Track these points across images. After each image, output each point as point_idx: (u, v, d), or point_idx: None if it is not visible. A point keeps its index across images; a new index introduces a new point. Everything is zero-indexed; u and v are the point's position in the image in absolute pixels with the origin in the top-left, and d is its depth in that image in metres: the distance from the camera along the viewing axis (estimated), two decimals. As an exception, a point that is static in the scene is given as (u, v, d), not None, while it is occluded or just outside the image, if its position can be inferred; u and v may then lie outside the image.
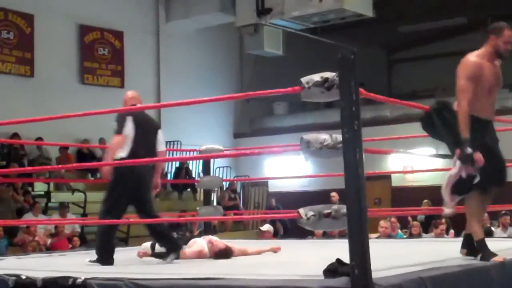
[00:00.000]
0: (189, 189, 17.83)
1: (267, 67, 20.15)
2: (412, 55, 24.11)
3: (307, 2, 16.03)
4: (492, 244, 5.18)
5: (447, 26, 21.45)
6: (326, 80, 3.97)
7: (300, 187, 18.59)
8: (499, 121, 7.07)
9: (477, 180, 4.99)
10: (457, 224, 13.24)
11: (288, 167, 17.85)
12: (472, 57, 5.24)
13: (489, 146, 5.15)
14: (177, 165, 18.29)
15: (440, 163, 14.27)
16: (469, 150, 4.89)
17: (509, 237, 11.69)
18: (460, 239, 5.72)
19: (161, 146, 6.37)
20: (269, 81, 15.68)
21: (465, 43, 22.56)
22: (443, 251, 6.14)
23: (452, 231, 12.94)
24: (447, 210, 5.22)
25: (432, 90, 20.93)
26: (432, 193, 16.56)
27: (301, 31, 17.93)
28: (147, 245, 6.58)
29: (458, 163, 4.99)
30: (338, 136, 3.88)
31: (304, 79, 4.08)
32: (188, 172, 18.12)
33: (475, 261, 4.88)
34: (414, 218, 14.29)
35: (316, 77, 4.02)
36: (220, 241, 6.41)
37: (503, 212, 12.48)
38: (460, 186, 5.07)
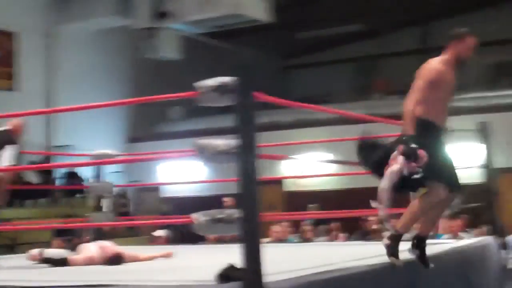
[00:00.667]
0: (78, 195, 17.47)
1: (163, 72, 20.00)
2: (308, 61, 24.48)
3: (204, 7, 16.04)
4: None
5: (342, 33, 21.89)
6: (222, 84, 3.97)
7: (193, 192, 18.52)
8: (396, 124, 7.23)
9: (419, 175, 4.94)
10: (348, 227, 13.54)
11: (181, 172, 17.78)
12: (435, 62, 5.25)
13: (438, 148, 5.17)
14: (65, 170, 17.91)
15: (333, 168, 14.60)
16: (413, 145, 4.89)
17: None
18: (350, 243, 5.80)
19: (2, 162, 6.38)
20: (166, 86, 15.57)
21: (360, 49, 23.25)
22: (334, 254, 6.23)
23: (342, 235, 13.17)
24: (382, 211, 5.13)
25: (326, 96, 21.34)
26: (324, 198, 16.92)
27: (199, 35, 17.93)
28: (34, 252, 6.39)
29: (400, 159, 4.95)
30: (233, 141, 3.88)
31: (200, 84, 4.06)
32: (78, 177, 17.75)
33: (364, 264, 4.97)
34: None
35: (212, 81, 4.01)
36: (111, 247, 6.30)
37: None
38: (404, 183, 5.02)
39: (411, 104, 5.07)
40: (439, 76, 5.19)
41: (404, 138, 5.00)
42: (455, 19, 21.32)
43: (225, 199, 14.19)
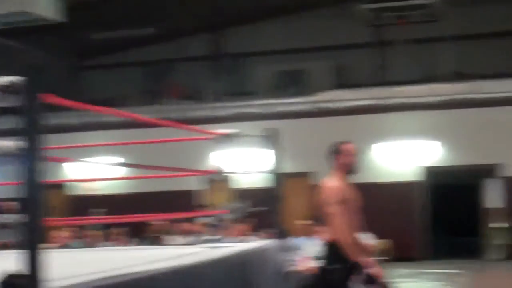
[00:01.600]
0: None
1: None
2: (100, 63, 24.16)
3: (-11, 3, 15.34)
4: (170, 251, 5.31)
5: (135, 35, 21.82)
6: (7, 84, 3.84)
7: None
8: (186, 129, 7.30)
9: None
10: (136, 233, 13.55)
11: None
12: (333, 182, 5.28)
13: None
14: None
15: (123, 171, 14.52)
16: (366, 271, 5.02)
17: (187, 244, 12.10)
18: (136, 247, 5.79)
19: None
20: None
21: (152, 53, 23.29)
22: (120, 259, 6.20)
23: (127, 239, 13.16)
24: None
25: (118, 99, 21.14)
26: (110, 202, 16.74)
27: (-16, 32, 17.12)
28: None
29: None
30: (17, 143, 3.77)
31: (-16, 83, 3.90)
32: None
33: (150, 269, 4.99)
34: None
35: (-2, 80, 3.87)
36: None
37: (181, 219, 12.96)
38: None
39: (343, 231, 5.13)
40: (341, 192, 5.28)
41: (353, 266, 5.10)
42: (246, 27, 22.03)
43: (7, 203, 13.66)
